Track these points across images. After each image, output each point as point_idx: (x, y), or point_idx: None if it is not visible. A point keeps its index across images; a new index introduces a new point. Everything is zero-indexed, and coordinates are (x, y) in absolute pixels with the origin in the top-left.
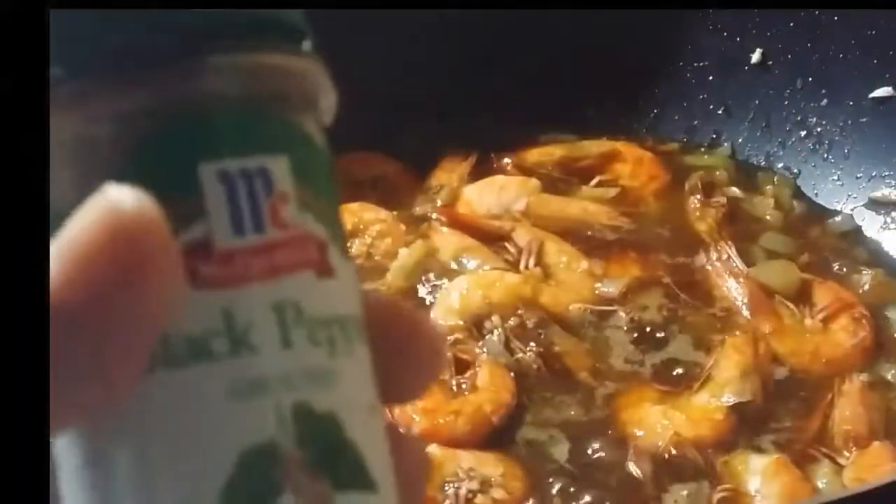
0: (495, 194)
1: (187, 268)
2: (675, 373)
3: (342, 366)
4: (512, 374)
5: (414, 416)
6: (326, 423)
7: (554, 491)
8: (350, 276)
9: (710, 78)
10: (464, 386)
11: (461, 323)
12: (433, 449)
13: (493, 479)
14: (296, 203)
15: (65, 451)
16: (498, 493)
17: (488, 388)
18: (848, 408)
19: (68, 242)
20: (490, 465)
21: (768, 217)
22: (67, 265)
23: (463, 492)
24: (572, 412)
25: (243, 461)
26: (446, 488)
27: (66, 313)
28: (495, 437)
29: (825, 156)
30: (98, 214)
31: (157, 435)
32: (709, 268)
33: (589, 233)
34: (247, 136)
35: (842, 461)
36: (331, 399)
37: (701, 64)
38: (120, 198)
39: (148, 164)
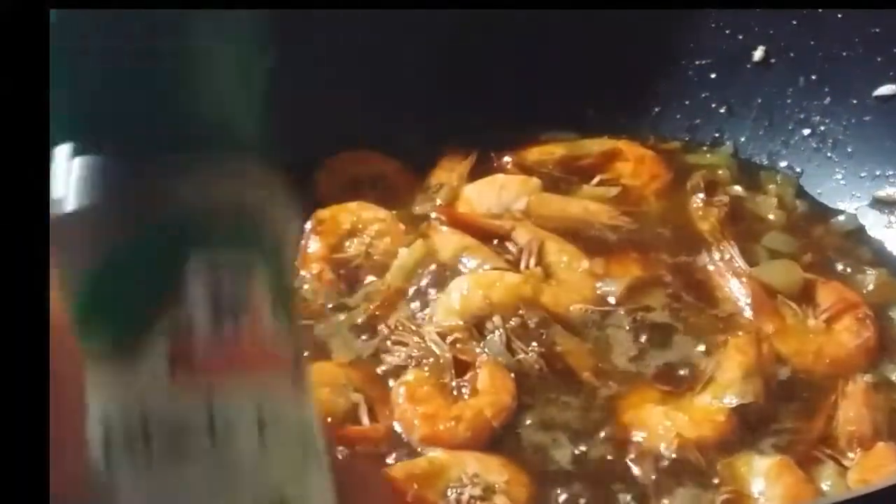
0: (495, 193)
1: (172, 353)
2: (677, 373)
3: (313, 470)
4: (513, 374)
5: (415, 421)
6: None
7: (559, 501)
8: (312, 395)
9: (713, 76)
10: (464, 389)
11: (461, 323)
12: (438, 453)
13: (496, 486)
14: (271, 309)
15: None
16: (500, 501)
17: (489, 392)
18: (852, 409)
19: None
20: (495, 471)
21: (771, 216)
22: None
23: (465, 498)
24: (575, 413)
25: None
26: (449, 493)
27: None
28: (498, 438)
29: (828, 154)
30: None
31: None
32: (711, 267)
33: (590, 232)
34: (235, 239)
35: (846, 463)
36: (305, 494)
37: (703, 62)
38: None
39: (143, 249)
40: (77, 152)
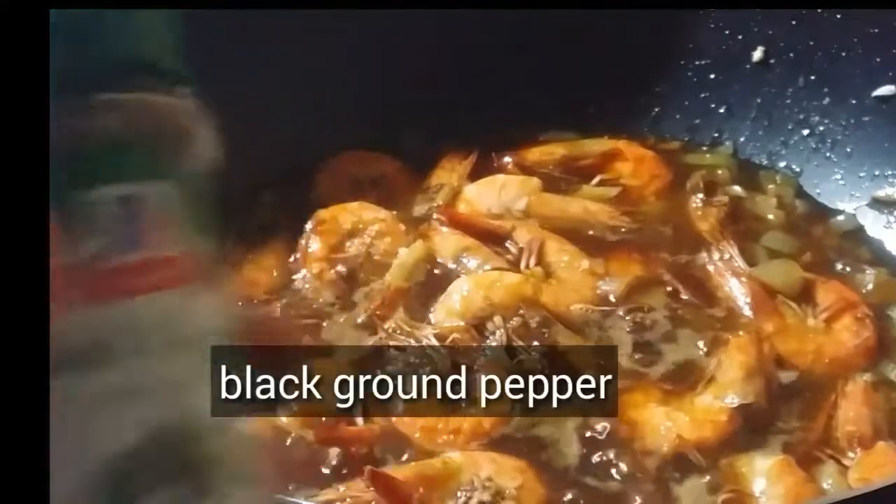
0: (496, 193)
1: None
2: (678, 373)
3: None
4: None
5: (415, 434)
6: None
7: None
8: (224, 293)
9: (712, 76)
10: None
11: (462, 324)
12: (455, 454)
13: (506, 491)
14: (178, 224)
15: None
16: None
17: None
18: (852, 408)
19: None
20: (508, 476)
21: (771, 216)
22: None
23: (474, 502)
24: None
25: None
26: (458, 495)
27: None
28: (499, 439)
29: (828, 154)
30: None
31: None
32: (711, 267)
33: (590, 232)
34: (131, 165)
35: (846, 462)
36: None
37: (702, 62)
38: None
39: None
40: None
